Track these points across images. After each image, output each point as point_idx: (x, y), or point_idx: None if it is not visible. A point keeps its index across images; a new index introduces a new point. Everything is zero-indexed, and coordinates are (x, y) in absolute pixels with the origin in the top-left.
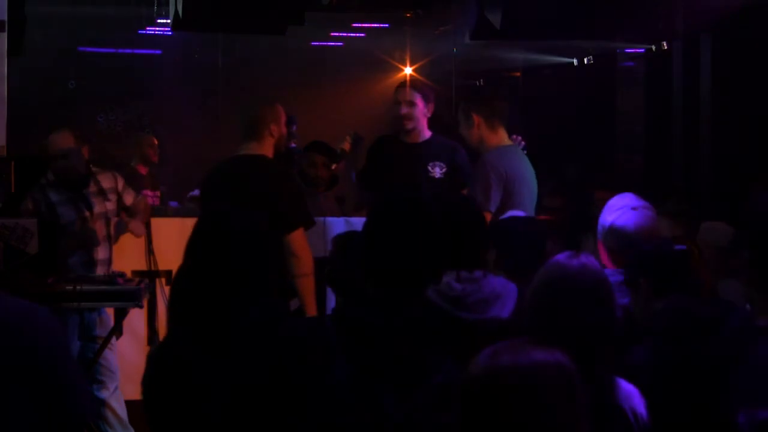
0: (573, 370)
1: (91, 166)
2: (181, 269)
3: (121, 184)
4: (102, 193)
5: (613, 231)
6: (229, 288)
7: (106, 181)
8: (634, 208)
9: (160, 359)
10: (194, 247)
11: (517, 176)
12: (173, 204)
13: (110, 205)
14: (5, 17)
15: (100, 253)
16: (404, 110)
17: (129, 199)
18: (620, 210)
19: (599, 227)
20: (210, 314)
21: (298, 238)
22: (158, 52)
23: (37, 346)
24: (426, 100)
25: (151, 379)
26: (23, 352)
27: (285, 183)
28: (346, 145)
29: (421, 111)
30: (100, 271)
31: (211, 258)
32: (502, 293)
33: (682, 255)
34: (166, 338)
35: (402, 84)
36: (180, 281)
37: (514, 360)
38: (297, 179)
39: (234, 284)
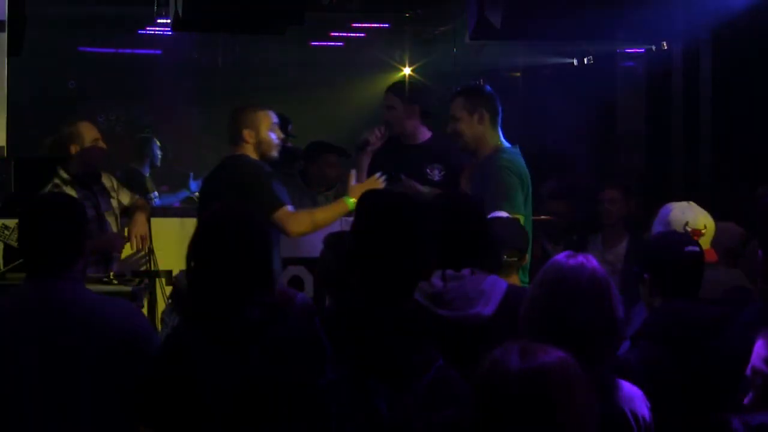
0: (578, 371)
1: None
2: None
3: (116, 183)
4: (106, 191)
5: (672, 223)
6: (228, 287)
7: (106, 180)
8: (690, 203)
9: (163, 357)
10: (195, 246)
11: (528, 177)
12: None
13: (114, 203)
14: (5, 17)
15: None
16: (386, 115)
17: (126, 198)
18: (678, 205)
19: (657, 225)
20: (210, 313)
21: (282, 215)
22: (158, 52)
23: (140, 345)
24: (406, 101)
25: (153, 375)
26: (128, 349)
27: (256, 174)
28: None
29: (401, 114)
30: (116, 267)
31: (212, 257)
32: (488, 290)
33: (694, 257)
34: (169, 336)
35: (387, 87)
36: (182, 280)
37: (524, 360)
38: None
39: (234, 283)
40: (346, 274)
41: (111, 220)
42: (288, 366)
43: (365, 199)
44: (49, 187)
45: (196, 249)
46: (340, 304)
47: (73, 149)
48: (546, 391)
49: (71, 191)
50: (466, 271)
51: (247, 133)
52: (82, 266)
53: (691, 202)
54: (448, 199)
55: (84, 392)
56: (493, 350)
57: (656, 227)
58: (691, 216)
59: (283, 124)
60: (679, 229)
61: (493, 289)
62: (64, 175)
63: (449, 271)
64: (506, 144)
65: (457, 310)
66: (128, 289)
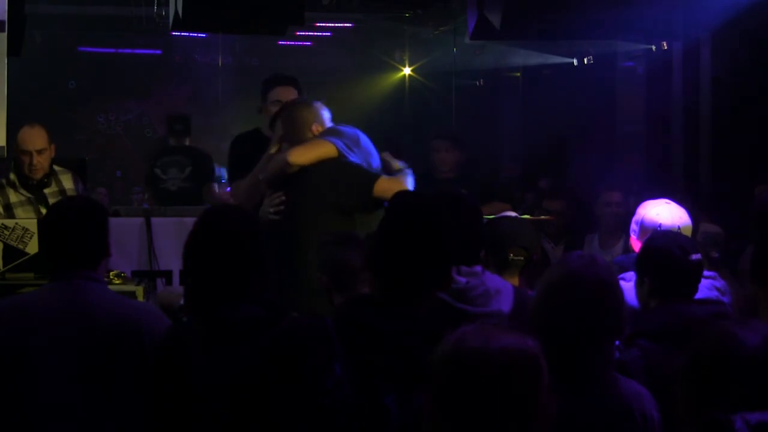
0: (538, 358)
1: (54, 166)
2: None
3: (81, 186)
4: (63, 194)
5: (645, 224)
6: (226, 287)
7: (67, 182)
8: (667, 203)
9: (163, 354)
10: (191, 245)
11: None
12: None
13: None
14: (5, 17)
15: None
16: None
17: None
18: (653, 205)
19: (633, 225)
20: (210, 312)
21: (382, 186)
22: (158, 52)
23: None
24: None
25: (151, 370)
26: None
27: (341, 162)
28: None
29: None
30: None
31: (207, 256)
32: (501, 288)
33: (697, 265)
34: (168, 334)
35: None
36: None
37: (481, 342)
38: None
39: (227, 282)
40: (371, 271)
41: None
42: (293, 364)
43: (398, 198)
44: None
45: (191, 247)
46: (353, 302)
47: (16, 156)
48: (500, 372)
49: (12, 193)
50: (477, 268)
51: (315, 128)
52: (105, 267)
53: (668, 202)
54: (450, 198)
55: (108, 393)
56: (457, 332)
57: (632, 226)
58: (664, 218)
59: (185, 123)
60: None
61: (504, 287)
62: (11, 177)
63: (464, 267)
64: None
65: (479, 306)
66: (131, 288)
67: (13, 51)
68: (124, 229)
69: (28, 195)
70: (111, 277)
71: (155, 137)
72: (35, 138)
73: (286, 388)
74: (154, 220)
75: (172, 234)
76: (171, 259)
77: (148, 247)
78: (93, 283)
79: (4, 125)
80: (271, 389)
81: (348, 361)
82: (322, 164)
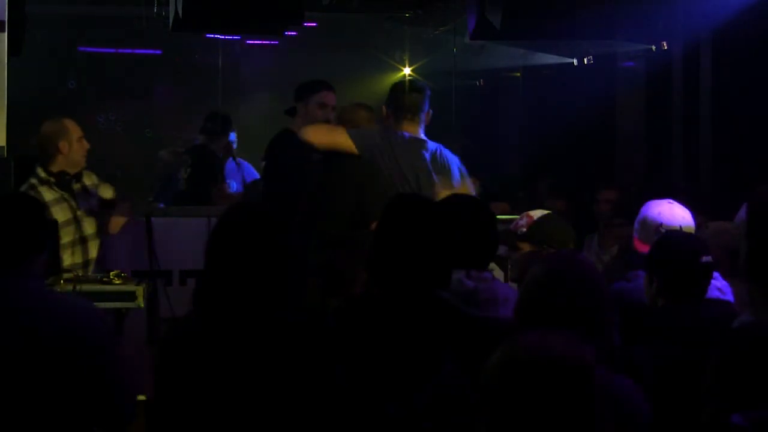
0: (591, 367)
1: None
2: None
3: (96, 179)
4: (86, 191)
5: (647, 223)
6: (241, 285)
7: (87, 178)
8: (670, 203)
9: (168, 350)
10: (213, 242)
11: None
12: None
13: (93, 202)
14: (5, 17)
15: (92, 252)
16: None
17: (108, 192)
18: (656, 205)
19: (635, 225)
20: (216, 311)
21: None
22: (158, 52)
23: (95, 344)
24: None
25: (159, 366)
26: (83, 349)
27: (371, 170)
28: None
29: None
30: (93, 270)
31: (226, 254)
32: (510, 296)
33: (707, 267)
34: (173, 329)
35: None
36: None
37: (535, 350)
38: None
39: (246, 281)
40: (368, 272)
41: (90, 221)
42: (293, 365)
43: (395, 201)
44: (24, 187)
45: (213, 244)
46: (352, 302)
47: (63, 146)
48: (586, 378)
49: (47, 191)
50: (487, 274)
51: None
52: (42, 263)
53: (671, 202)
54: (463, 202)
55: (29, 390)
56: (512, 339)
57: (634, 226)
58: (666, 218)
59: (213, 121)
60: (652, 234)
61: (513, 294)
62: (42, 175)
63: (473, 272)
64: None
65: (484, 311)
66: (131, 288)
67: (13, 51)
68: (124, 229)
69: (62, 192)
70: (111, 276)
71: (155, 137)
72: (72, 127)
73: (285, 391)
74: (154, 220)
75: (172, 234)
76: (171, 259)
77: (148, 247)
78: (22, 278)
79: (4, 125)
80: (273, 389)
81: (348, 362)
82: (365, 172)
